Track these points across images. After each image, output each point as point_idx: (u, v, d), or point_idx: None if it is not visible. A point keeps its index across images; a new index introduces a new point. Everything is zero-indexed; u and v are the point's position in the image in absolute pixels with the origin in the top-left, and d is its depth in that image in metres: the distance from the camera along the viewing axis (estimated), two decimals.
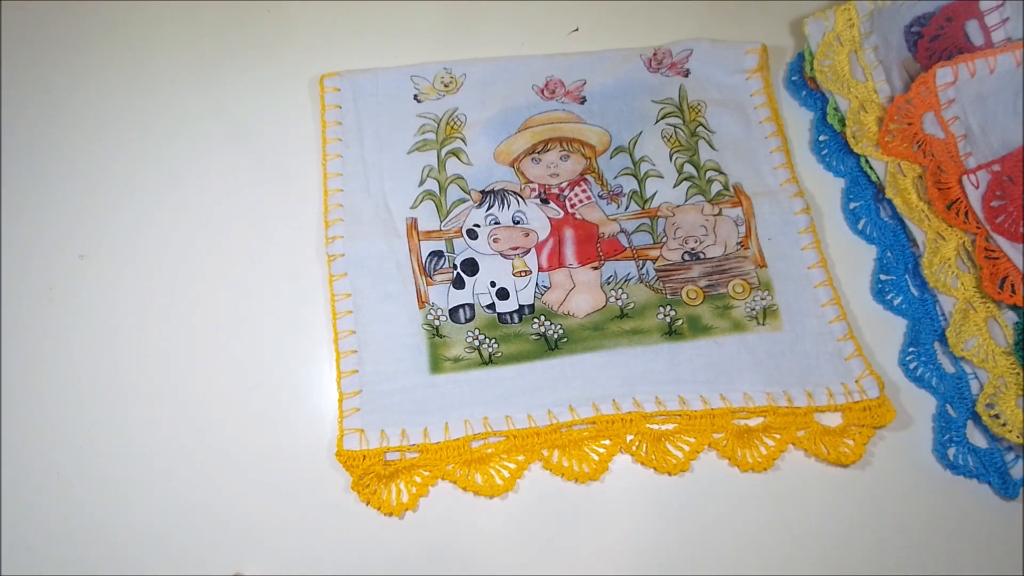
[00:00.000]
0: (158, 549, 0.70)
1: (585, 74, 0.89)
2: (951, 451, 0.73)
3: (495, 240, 0.81)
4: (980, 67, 0.75)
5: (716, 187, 0.84)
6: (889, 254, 0.81)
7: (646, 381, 0.75)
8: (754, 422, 0.74)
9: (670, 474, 0.72)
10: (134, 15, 0.94)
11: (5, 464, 0.73)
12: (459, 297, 0.78)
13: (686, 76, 0.90)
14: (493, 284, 0.79)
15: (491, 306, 0.78)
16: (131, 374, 0.76)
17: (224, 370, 0.77)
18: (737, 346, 0.76)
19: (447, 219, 0.82)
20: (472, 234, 0.81)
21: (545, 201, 0.83)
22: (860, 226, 0.83)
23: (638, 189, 0.84)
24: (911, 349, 0.77)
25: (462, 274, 0.79)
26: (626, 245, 0.81)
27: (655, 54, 0.90)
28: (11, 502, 0.72)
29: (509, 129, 0.87)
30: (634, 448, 0.72)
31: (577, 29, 0.93)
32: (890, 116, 0.78)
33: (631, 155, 0.85)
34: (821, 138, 0.87)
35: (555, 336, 0.77)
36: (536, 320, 0.77)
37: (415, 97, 0.89)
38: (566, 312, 0.78)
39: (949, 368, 0.76)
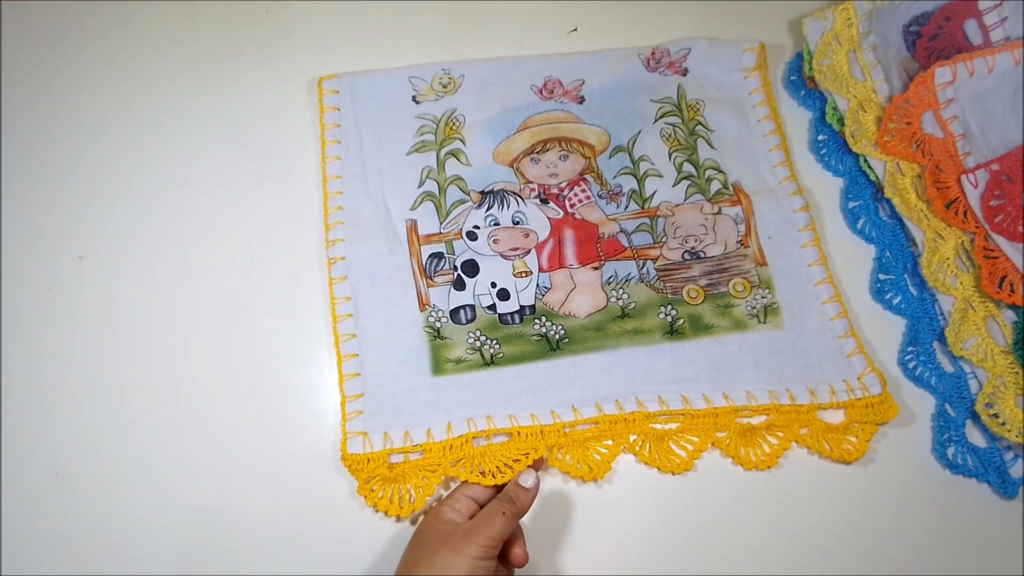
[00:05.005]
0: (158, 550, 0.70)
1: (583, 74, 0.89)
2: (950, 450, 0.73)
3: (495, 241, 0.81)
4: (979, 66, 0.75)
5: (715, 186, 0.84)
6: (888, 253, 0.81)
7: (648, 381, 0.75)
8: (757, 420, 0.74)
9: (673, 473, 0.72)
10: (134, 15, 0.93)
11: (5, 464, 0.73)
12: (460, 298, 0.78)
13: (684, 75, 0.90)
14: (494, 285, 0.79)
15: (492, 307, 0.78)
16: (130, 376, 0.76)
17: (224, 373, 0.77)
18: (739, 344, 0.76)
19: (447, 220, 0.82)
20: (472, 236, 0.81)
21: (545, 201, 0.83)
22: (859, 225, 0.83)
23: (637, 188, 0.84)
24: (910, 348, 0.77)
25: (462, 275, 0.79)
26: (626, 245, 0.81)
27: (653, 53, 0.90)
28: (11, 502, 0.72)
29: (508, 129, 0.87)
30: (637, 448, 0.73)
31: (576, 29, 0.93)
32: (889, 115, 0.78)
33: (630, 154, 0.86)
34: (820, 137, 0.87)
35: (556, 336, 0.77)
36: (537, 321, 0.77)
37: (413, 98, 0.88)
38: (567, 313, 0.78)
39: (948, 367, 0.76)
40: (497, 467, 0.70)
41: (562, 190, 0.83)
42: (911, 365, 0.77)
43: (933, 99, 0.76)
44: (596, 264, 0.80)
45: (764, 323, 0.77)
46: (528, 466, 0.70)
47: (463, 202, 0.83)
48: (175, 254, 0.82)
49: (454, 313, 0.78)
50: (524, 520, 0.69)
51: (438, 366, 0.75)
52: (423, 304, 0.78)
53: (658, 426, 0.74)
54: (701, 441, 0.73)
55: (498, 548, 0.62)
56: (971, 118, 0.76)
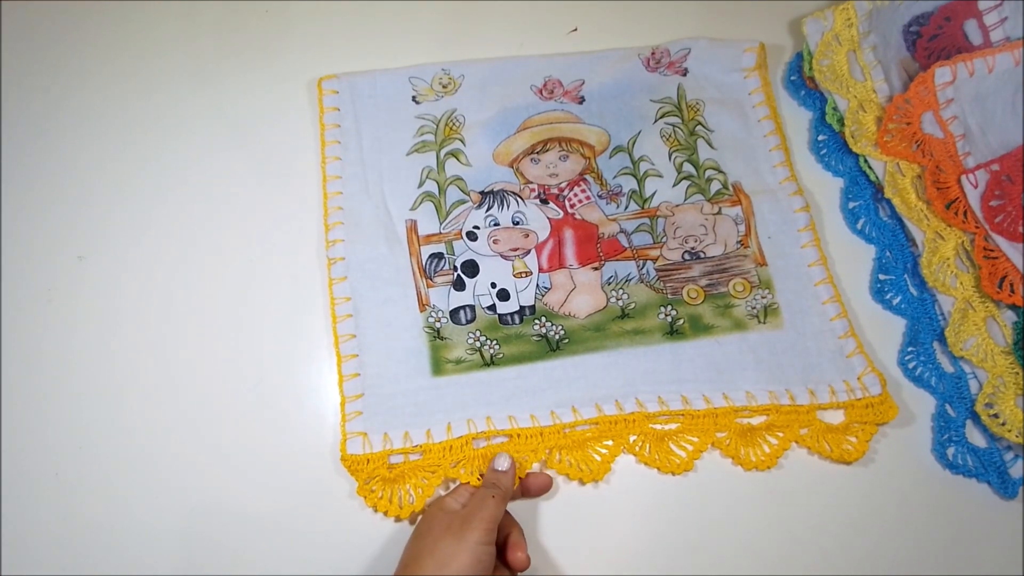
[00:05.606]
0: (158, 549, 0.70)
1: (583, 74, 0.89)
2: (950, 451, 0.73)
3: (495, 241, 0.81)
4: (979, 66, 0.75)
5: (715, 186, 0.84)
6: (888, 254, 0.81)
7: (648, 381, 0.75)
8: (757, 421, 0.74)
9: (673, 474, 0.72)
10: (134, 15, 0.93)
11: (5, 464, 0.73)
12: (460, 298, 0.78)
13: (684, 75, 0.90)
14: (494, 285, 0.79)
15: (492, 307, 0.78)
16: (130, 376, 0.76)
17: (223, 373, 0.77)
18: (739, 345, 0.76)
19: (446, 221, 0.82)
20: (472, 236, 0.81)
21: (544, 201, 0.83)
22: (859, 226, 0.83)
23: (637, 188, 0.84)
24: (910, 349, 0.77)
25: (462, 276, 0.79)
26: (626, 245, 0.81)
27: (653, 53, 0.90)
28: (11, 502, 0.72)
29: (508, 129, 0.86)
30: (637, 448, 0.73)
31: (576, 29, 0.93)
32: (889, 116, 0.78)
33: (630, 154, 0.85)
34: (820, 138, 0.87)
35: (556, 337, 0.77)
36: (537, 321, 0.77)
37: (413, 99, 0.88)
38: (567, 313, 0.78)
39: (948, 368, 0.76)
40: None
41: (562, 190, 0.83)
42: (911, 365, 0.77)
43: (933, 99, 0.76)
44: (596, 264, 0.80)
45: (764, 323, 0.77)
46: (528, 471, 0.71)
47: (463, 202, 0.83)
48: (175, 254, 0.82)
49: (454, 313, 0.78)
50: (525, 521, 0.69)
51: (438, 366, 0.75)
52: (423, 304, 0.78)
53: (658, 426, 0.74)
54: (701, 441, 0.73)
55: (495, 531, 0.64)
56: (971, 118, 0.76)
